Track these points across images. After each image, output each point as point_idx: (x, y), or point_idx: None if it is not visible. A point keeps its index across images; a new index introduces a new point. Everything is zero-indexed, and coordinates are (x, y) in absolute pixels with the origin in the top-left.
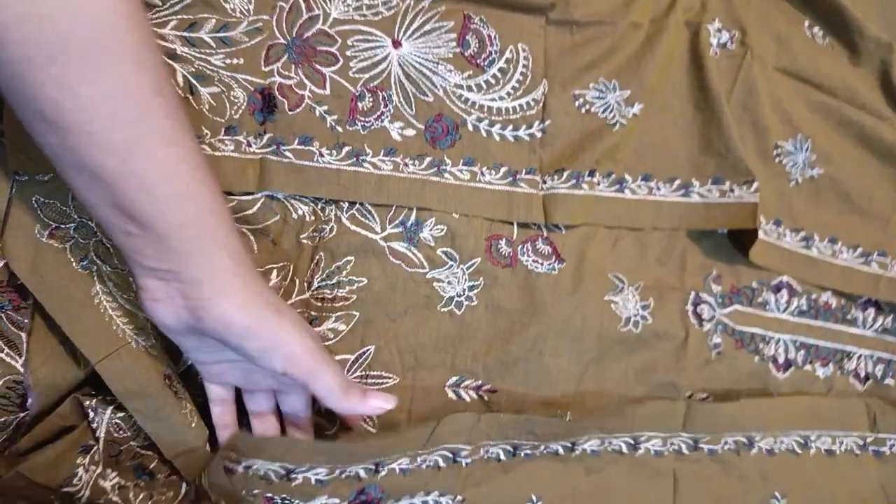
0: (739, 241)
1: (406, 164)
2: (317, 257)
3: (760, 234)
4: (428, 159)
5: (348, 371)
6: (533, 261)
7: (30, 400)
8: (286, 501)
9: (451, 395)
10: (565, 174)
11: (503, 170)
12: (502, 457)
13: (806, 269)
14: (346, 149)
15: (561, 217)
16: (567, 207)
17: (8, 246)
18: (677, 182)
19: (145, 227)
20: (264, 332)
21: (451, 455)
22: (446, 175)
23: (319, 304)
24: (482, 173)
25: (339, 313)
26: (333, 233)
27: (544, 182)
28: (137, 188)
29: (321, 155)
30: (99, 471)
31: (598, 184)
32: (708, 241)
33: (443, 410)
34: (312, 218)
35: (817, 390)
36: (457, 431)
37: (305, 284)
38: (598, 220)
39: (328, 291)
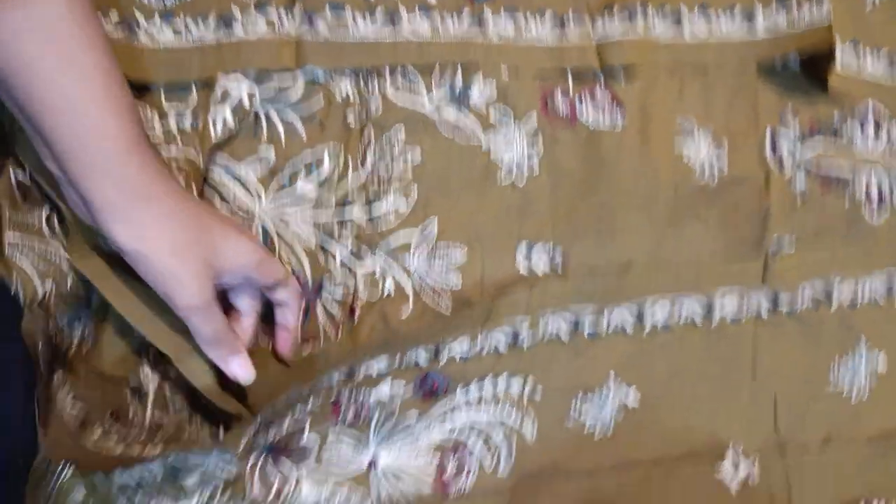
0: (815, 74)
1: (445, 26)
2: (366, 137)
3: (838, 63)
4: (466, 10)
5: (415, 249)
6: (593, 112)
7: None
8: (353, 392)
9: (521, 269)
10: (615, 10)
11: (548, 13)
12: (563, 335)
13: (892, 93)
14: (380, 9)
15: (616, 57)
16: (622, 50)
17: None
18: (737, 7)
19: (37, 131)
20: (147, 270)
21: (511, 336)
22: (490, 34)
23: (376, 183)
24: (526, 22)
25: (396, 191)
26: (380, 111)
27: (594, 22)
28: (16, 83)
29: (356, 23)
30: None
31: (654, 21)
32: (780, 77)
33: (514, 287)
34: (357, 96)
35: None
36: (513, 304)
37: (360, 164)
38: (656, 60)
39: (383, 170)
